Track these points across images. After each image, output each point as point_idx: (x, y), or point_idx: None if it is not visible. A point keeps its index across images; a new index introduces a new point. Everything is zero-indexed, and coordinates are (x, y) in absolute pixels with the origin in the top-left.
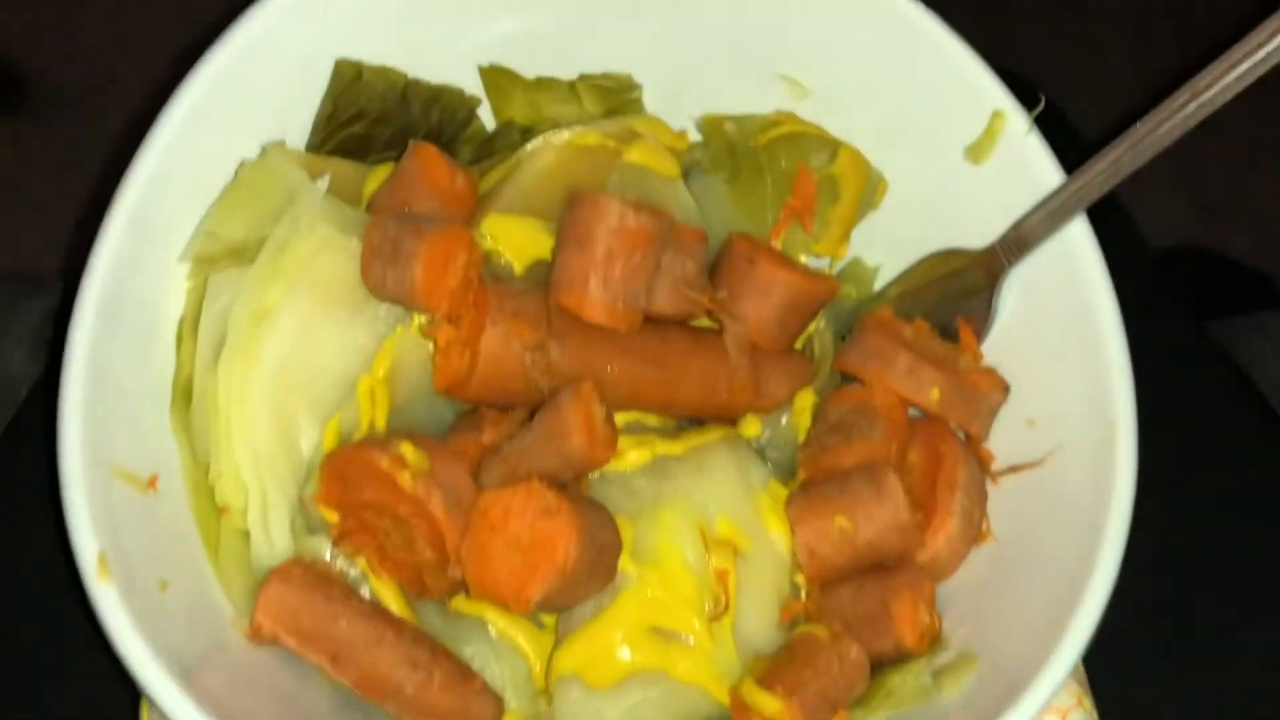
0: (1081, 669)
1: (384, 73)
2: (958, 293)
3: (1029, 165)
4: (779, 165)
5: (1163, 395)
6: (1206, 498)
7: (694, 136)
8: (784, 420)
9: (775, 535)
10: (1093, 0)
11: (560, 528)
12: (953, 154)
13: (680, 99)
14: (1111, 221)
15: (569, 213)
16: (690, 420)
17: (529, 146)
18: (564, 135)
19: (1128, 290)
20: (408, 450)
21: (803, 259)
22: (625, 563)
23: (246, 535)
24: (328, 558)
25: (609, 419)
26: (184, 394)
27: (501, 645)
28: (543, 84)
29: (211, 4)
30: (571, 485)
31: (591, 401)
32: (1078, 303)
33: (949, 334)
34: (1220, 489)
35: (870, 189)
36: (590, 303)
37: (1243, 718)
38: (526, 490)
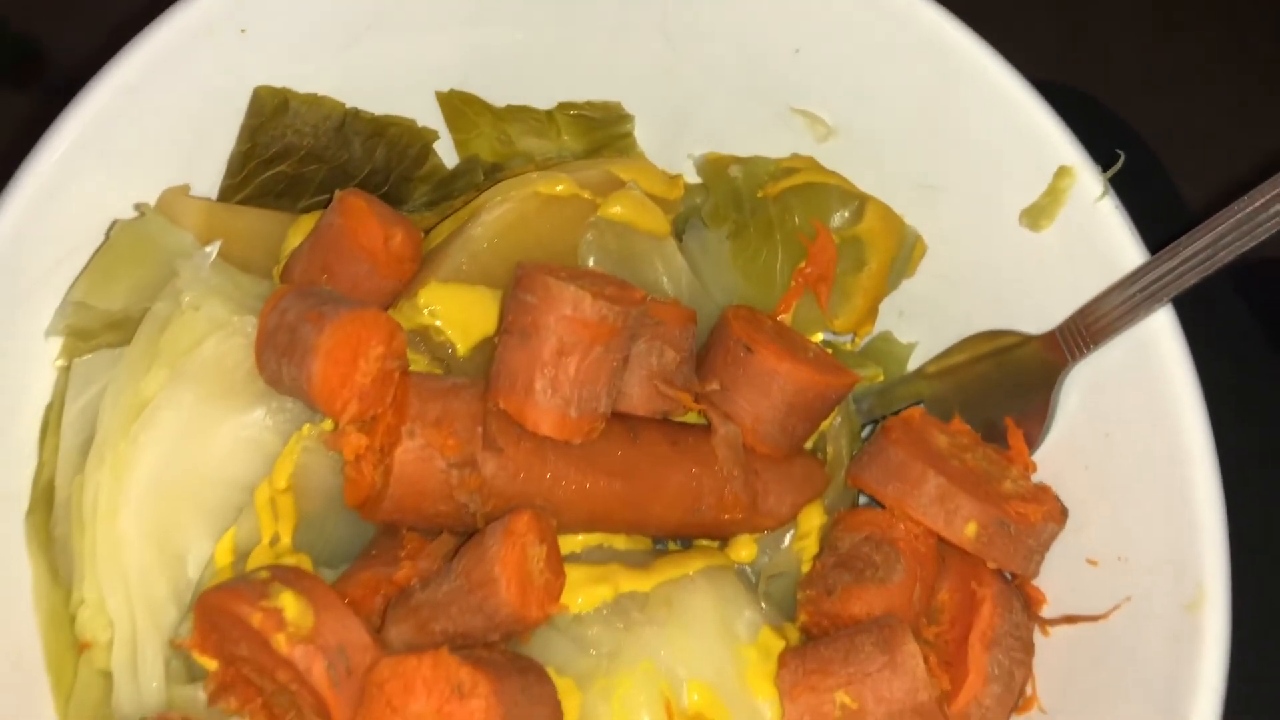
0: None
1: (316, 102)
2: (1008, 385)
3: (1102, 237)
4: (792, 221)
5: (1258, 503)
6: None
7: (693, 179)
8: (785, 543)
9: (762, 704)
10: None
11: (473, 715)
12: (1007, 216)
13: (680, 134)
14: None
15: (513, 295)
16: (670, 538)
17: (485, 195)
18: (528, 183)
19: (1215, 366)
20: (288, 602)
21: (819, 336)
22: None
23: (109, 678)
24: (207, 714)
25: (552, 561)
26: (44, 499)
27: None
28: (514, 113)
29: None
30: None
31: (528, 542)
32: (1156, 417)
33: (995, 434)
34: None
35: (904, 253)
36: (535, 409)
37: None
38: (433, 662)
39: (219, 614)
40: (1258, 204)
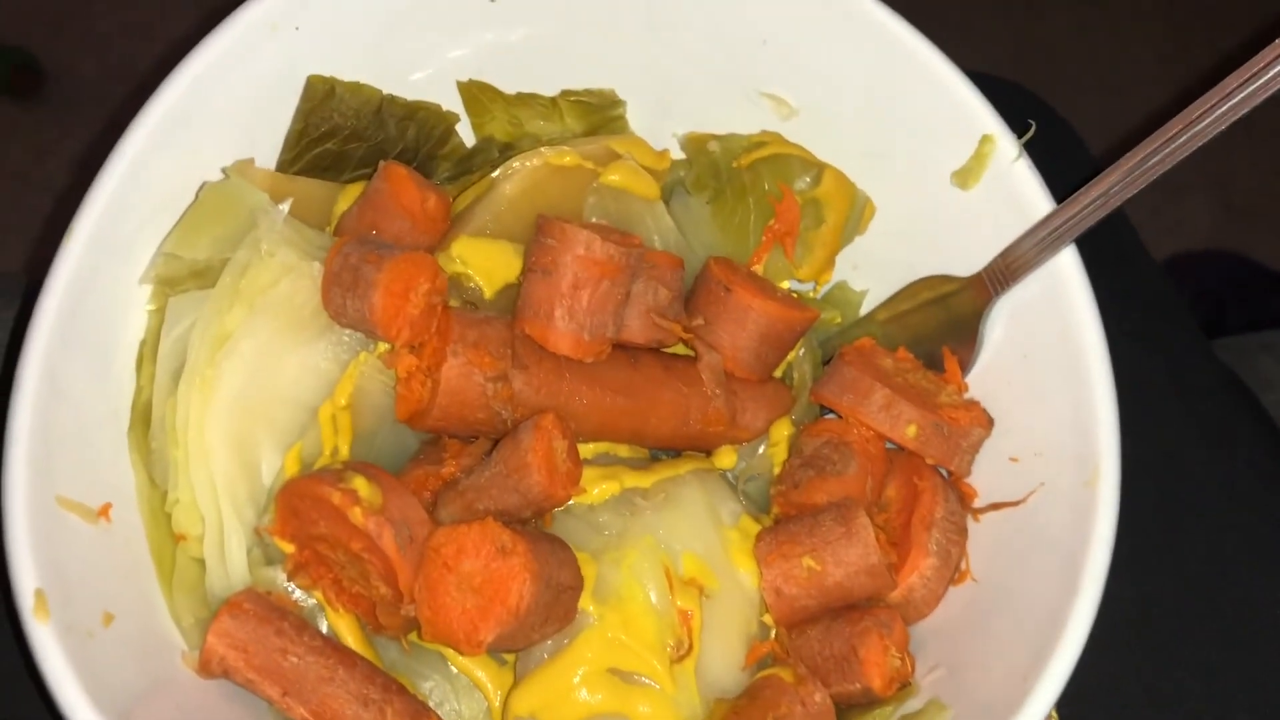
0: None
1: (357, 89)
2: (945, 321)
3: (1017, 192)
4: (762, 187)
5: (1160, 422)
6: (1199, 532)
7: (678, 155)
8: (760, 451)
9: (744, 574)
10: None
11: (514, 569)
12: (941, 178)
13: (665, 116)
14: (1115, 237)
15: (535, 239)
16: (664, 451)
17: (503, 168)
18: (539, 156)
19: (1129, 311)
20: (360, 485)
21: (786, 284)
22: (586, 602)
23: (202, 564)
24: (285, 589)
25: (572, 453)
26: (143, 418)
27: (461, 681)
28: (523, 99)
29: None
30: (532, 520)
31: (553, 435)
32: (1063, 335)
33: (935, 363)
34: (1214, 522)
35: (856, 213)
36: (555, 333)
37: None
38: (481, 528)
39: (301, 497)
40: (1139, 159)
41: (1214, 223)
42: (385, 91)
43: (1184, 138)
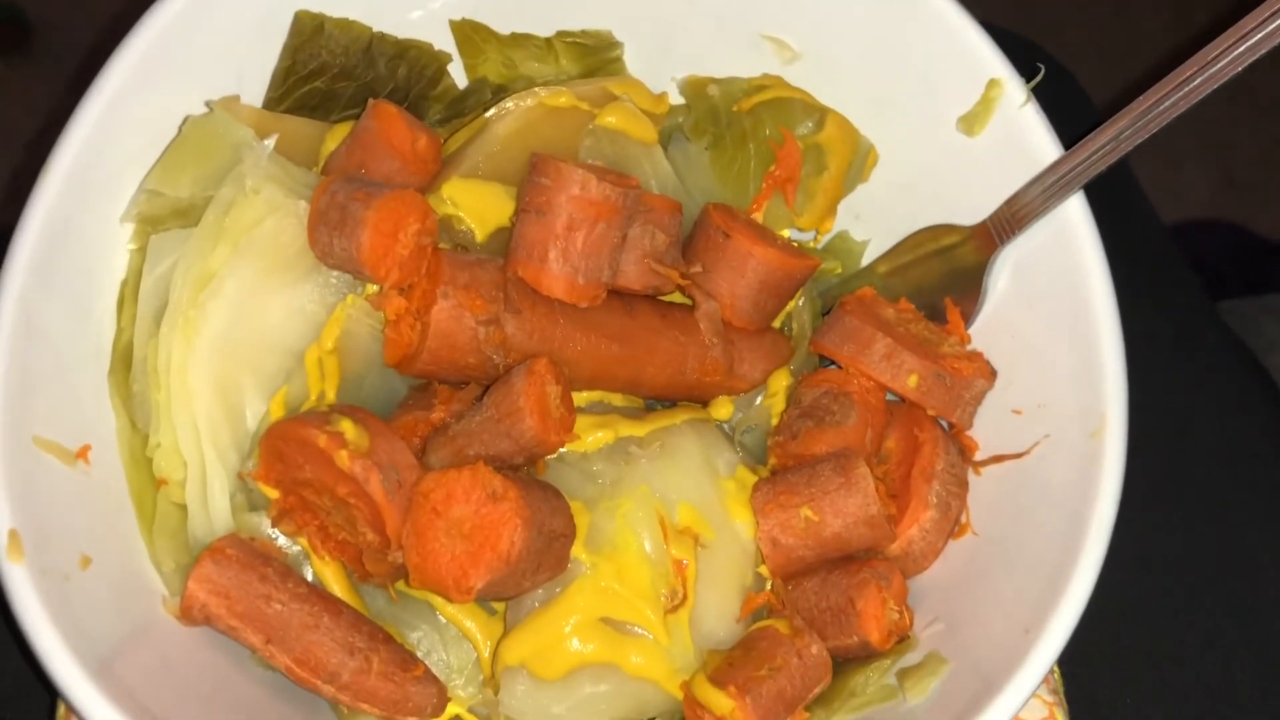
0: (1058, 679)
1: (347, 25)
2: (948, 272)
3: (1025, 138)
4: (763, 132)
5: (1166, 382)
6: (1205, 495)
7: (676, 99)
8: (757, 402)
9: (740, 525)
10: None
11: (505, 514)
12: (947, 124)
13: (663, 59)
14: (1121, 196)
15: (529, 179)
16: (659, 401)
17: (496, 108)
18: (534, 96)
19: (1135, 269)
20: (347, 427)
21: (786, 232)
22: (579, 551)
23: (184, 509)
24: (269, 535)
25: (566, 399)
26: (124, 360)
27: (449, 630)
28: (518, 40)
29: None
30: (524, 467)
31: (547, 380)
32: (1071, 286)
33: (937, 314)
34: (1221, 485)
35: (859, 160)
36: (549, 275)
37: None
38: (472, 473)
39: (286, 440)
40: (1151, 102)
41: (1214, 193)
42: (376, 29)
43: (1198, 80)
